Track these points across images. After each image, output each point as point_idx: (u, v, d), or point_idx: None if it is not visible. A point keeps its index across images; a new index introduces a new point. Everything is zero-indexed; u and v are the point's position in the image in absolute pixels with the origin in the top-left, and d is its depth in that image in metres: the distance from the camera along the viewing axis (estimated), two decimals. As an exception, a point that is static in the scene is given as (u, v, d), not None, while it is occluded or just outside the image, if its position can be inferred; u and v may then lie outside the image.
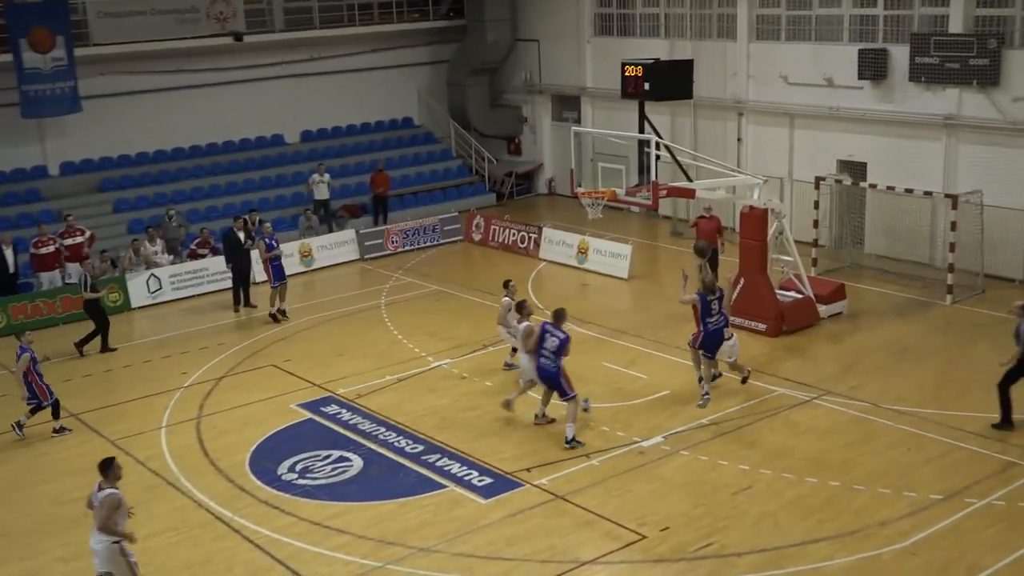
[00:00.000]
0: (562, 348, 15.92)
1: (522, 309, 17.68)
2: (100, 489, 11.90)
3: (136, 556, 12.93)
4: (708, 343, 17.15)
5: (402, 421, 17.14)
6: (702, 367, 17.39)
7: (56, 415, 17.51)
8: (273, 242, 22.97)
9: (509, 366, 18.84)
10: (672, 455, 15.46)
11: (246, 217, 24.71)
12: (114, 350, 21.52)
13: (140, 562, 12.84)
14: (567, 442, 15.82)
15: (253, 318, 23.50)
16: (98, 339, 21.54)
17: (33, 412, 17.40)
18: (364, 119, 34.03)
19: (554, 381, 16.04)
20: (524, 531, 13.52)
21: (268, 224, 23.89)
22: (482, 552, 13.06)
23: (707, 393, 17.25)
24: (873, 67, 24.48)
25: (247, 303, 23.94)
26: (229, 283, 24.17)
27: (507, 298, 18.55)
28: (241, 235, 23.66)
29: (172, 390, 19.01)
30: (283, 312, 22.98)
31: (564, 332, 16.09)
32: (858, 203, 25.02)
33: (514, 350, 18.48)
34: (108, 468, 12.00)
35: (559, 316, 16.33)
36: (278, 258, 22.87)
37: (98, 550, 11.81)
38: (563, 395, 15.98)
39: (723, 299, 17.19)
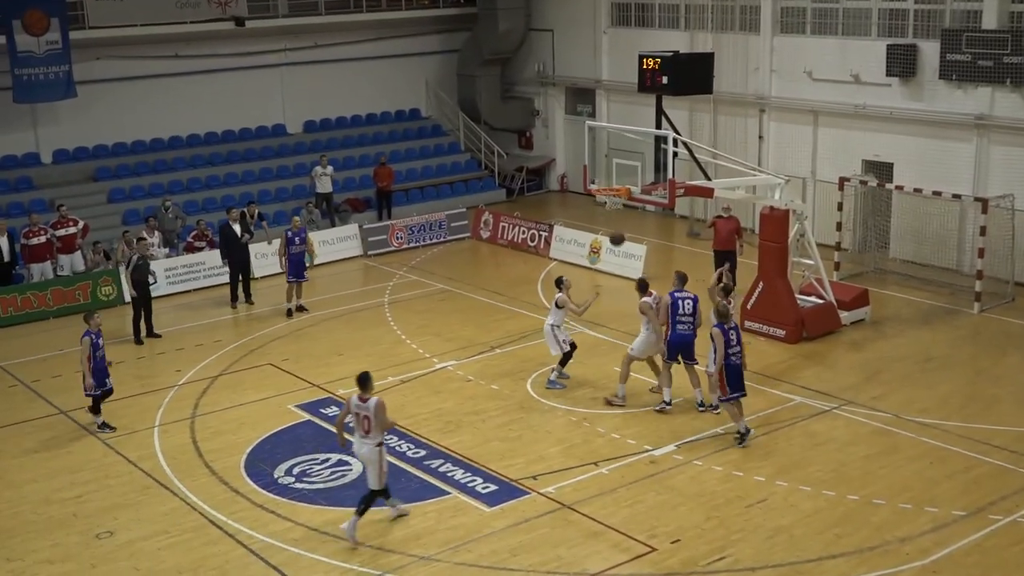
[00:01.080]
0: (696, 309, 16.80)
1: (645, 288, 17.61)
2: (364, 400, 13.17)
3: (126, 559, 13.30)
4: (735, 380, 15.81)
5: (404, 424, 16.92)
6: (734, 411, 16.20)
7: (96, 409, 17.04)
8: (296, 237, 22.48)
9: (558, 380, 18.37)
10: (685, 465, 15.33)
11: (244, 209, 24.26)
12: (158, 336, 21.79)
13: (129, 565, 13.20)
14: (699, 406, 16.93)
15: (252, 314, 23.19)
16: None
17: (95, 404, 16.95)
18: (369, 110, 33.68)
19: (690, 347, 16.90)
20: (529, 541, 13.35)
21: (297, 218, 23.27)
22: (485, 562, 12.91)
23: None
24: (902, 63, 24.24)
25: (247, 299, 23.55)
26: (227, 278, 23.79)
27: (562, 294, 18.32)
28: (237, 228, 23.27)
29: (166, 388, 18.83)
30: (301, 308, 22.76)
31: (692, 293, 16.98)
32: (883, 205, 24.80)
33: (562, 363, 18.31)
34: (367, 380, 13.35)
35: (683, 279, 17.23)
36: (301, 254, 22.52)
37: (363, 452, 13.34)
38: (691, 360, 16.97)
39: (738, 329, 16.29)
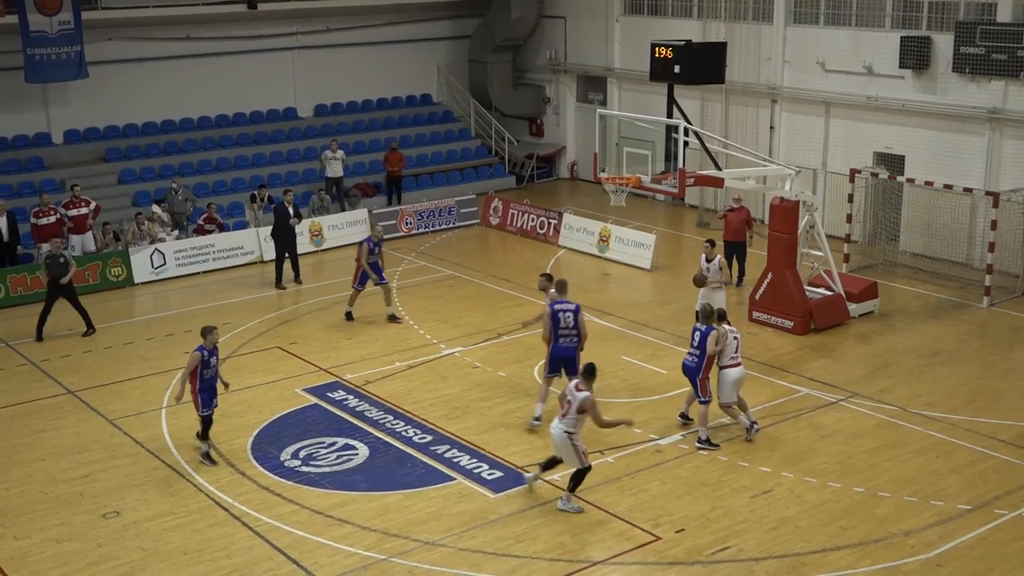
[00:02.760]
0: (578, 321, 15.79)
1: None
2: (578, 390, 13.35)
3: (132, 539, 13.26)
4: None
5: (411, 410, 16.97)
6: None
7: (204, 434, 15.36)
8: (376, 247, 20.80)
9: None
10: (690, 454, 15.31)
11: (255, 191, 24.25)
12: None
13: (135, 545, 13.18)
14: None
15: (261, 297, 23.10)
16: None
17: (204, 429, 15.30)
18: (380, 94, 33.58)
19: (573, 362, 15.74)
20: (534, 528, 13.32)
21: (379, 228, 21.69)
22: (490, 548, 12.89)
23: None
24: (915, 56, 24.08)
25: (296, 278, 23.71)
26: (237, 260, 24.07)
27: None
28: (291, 209, 23.45)
29: (174, 370, 18.72)
30: (394, 318, 21.16)
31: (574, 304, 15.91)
32: (894, 198, 24.68)
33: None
34: (590, 373, 13.52)
35: (563, 288, 16.34)
36: (376, 263, 20.89)
37: (555, 434, 13.50)
38: (574, 374, 15.20)
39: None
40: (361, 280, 20.87)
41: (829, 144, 26.51)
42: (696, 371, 15.37)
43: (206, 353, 15.04)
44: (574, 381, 13.67)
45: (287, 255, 23.60)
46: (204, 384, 15.11)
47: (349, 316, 21.17)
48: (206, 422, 15.25)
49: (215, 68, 30.09)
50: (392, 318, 21.08)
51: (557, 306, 15.73)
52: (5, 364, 19.30)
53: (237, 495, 14.21)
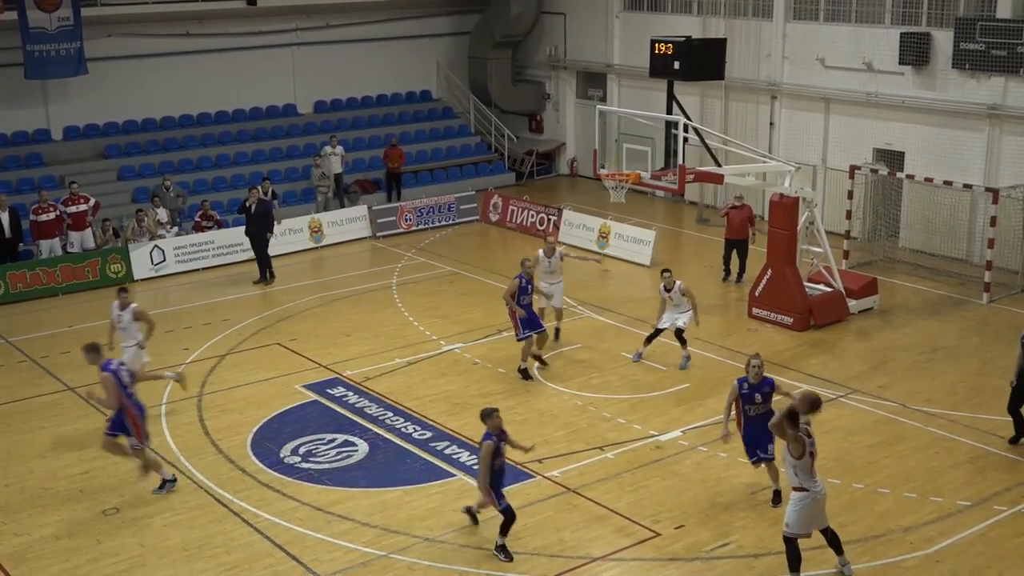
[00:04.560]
0: None
1: None
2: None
3: (131, 535, 13.24)
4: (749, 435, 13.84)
5: (410, 406, 16.96)
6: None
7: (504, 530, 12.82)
8: (529, 285, 17.78)
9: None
10: (690, 451, 15.27)
11: (259, 186, 24.15)
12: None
13: (135, 541, 13.10)
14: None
15: (262, 294, 23.15)
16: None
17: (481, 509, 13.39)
18: (380, 91, 33.58)
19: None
20: (533, 524, 13.30)
21: (530, 262, 18.15)
22: (489, 545, 12.86)
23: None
24: (915, 52, 24.03)
25: (264, 276, 23.60)
26: (237, 257, 24.13)
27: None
28: (252, 206, 23.26)
29: (173, 366, 18.66)
30: (540, 359, 18.31)
31: None
32: (894, 194, 24.63)
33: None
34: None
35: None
36: (530, 305, 17.71)
37: None
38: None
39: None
40: (529, 324, 17.68)
41: (829, 140, 26.46)
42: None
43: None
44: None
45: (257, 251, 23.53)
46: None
47: (525, 373, 17.86)
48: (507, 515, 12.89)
49: (214, 64, 30.04)
50: (539, 360, 18.34)
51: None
52: (5, 360, 19.31)
53: (236, 491, 14.21)
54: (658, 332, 18.27)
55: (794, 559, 11.81)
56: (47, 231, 23.43)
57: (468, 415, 16.42)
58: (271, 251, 23.86)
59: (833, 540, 12.07)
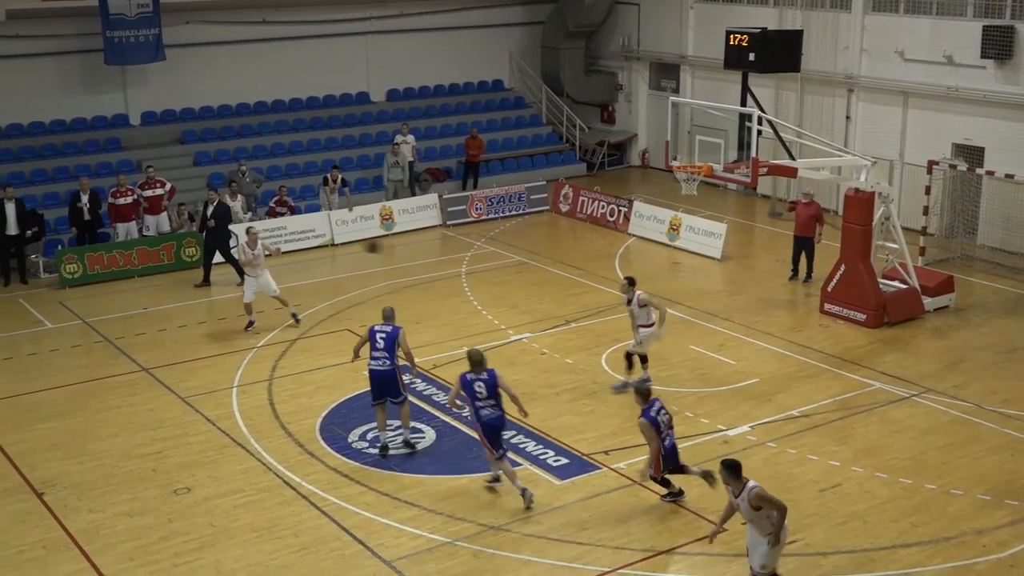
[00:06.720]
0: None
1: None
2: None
3: (202, 515, 13.42)
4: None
5: (478, 395, 16.70)
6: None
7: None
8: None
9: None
10: (758, 446, 15.15)
11: (327, 174, 24.31)
12: None
13: (205, 521, 13.34)
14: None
15: (332, 280, 23.30)
16: None
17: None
18: (452, 80, 33.63)
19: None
20: (598, 515, 13.28)
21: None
22: (554, 534, 12.88)
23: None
24: (998, 45, 23.54)
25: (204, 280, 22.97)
26: (309, 243, 24.29)
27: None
28: (210, 209, 22.80)
29: (245, 350, 19.03)
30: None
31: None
32: (973, 191, 24.17)
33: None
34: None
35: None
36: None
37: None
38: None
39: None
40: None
41: (907, 135, 26.01)
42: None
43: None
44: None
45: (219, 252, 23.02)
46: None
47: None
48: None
49: (289, 52, 30.29)
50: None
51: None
52: (82, 340, 19.71)
53: (305, 475, 14.34)
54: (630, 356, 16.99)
55: None
56: (124, 214, 23.82)
57: (535, 405, 16.27)
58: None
59: None
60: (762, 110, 21.54)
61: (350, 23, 31.15)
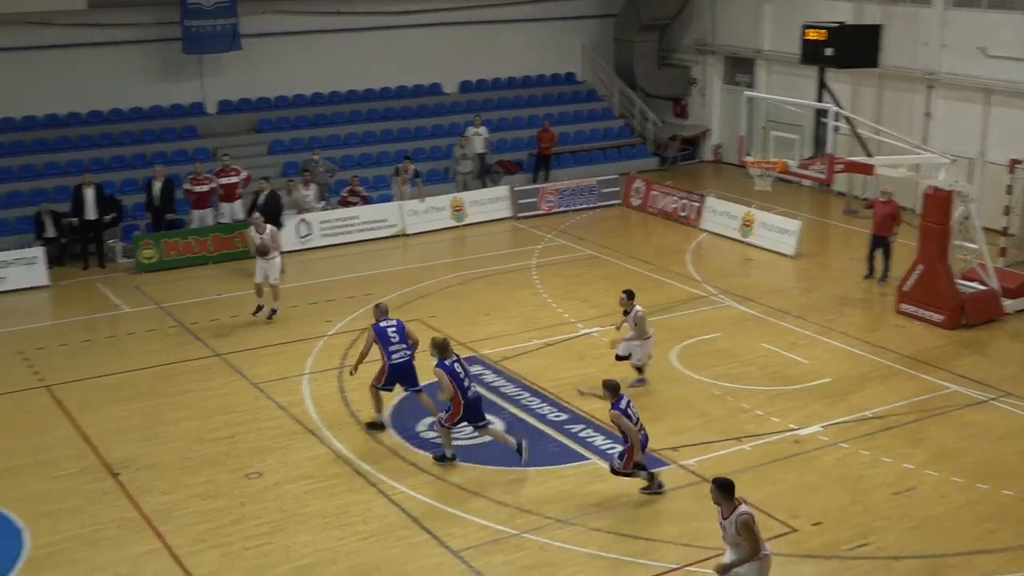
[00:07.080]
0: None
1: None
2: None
3: (273, 500, 13.58)
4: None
5: (547, 387, 16.96)
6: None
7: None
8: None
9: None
10: (830, 447, 14.94)
11: (399, 165, 24.36)
12: None
13: (275, 506, 13.47)
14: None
15: (402, 270, 23.34)
16: None
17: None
18: (525, 72, 33.61)
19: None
20: (666, 511, 13.26)
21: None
22: (621, 529, 12.85)
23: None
24: (1085, 42, 22.81)
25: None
26: (381, 232, 24.19)
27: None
28: (260, 197, 22.98)
29: (316, 337, 19.14)
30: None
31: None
32: (1056, 191, 23.43)
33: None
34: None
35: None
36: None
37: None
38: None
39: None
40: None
41: (988, 133, 25.43)
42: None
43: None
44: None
45: None
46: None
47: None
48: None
49: (362, 42, 30.46)
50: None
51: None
52: (157, 325, 20.03)
53: (374, 463, 14.42)
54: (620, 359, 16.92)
55: None
56: (201, 201, 24.16)
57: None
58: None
59: None
60: (839, 106, 21.22)
61: (424, 14, 31.28)
